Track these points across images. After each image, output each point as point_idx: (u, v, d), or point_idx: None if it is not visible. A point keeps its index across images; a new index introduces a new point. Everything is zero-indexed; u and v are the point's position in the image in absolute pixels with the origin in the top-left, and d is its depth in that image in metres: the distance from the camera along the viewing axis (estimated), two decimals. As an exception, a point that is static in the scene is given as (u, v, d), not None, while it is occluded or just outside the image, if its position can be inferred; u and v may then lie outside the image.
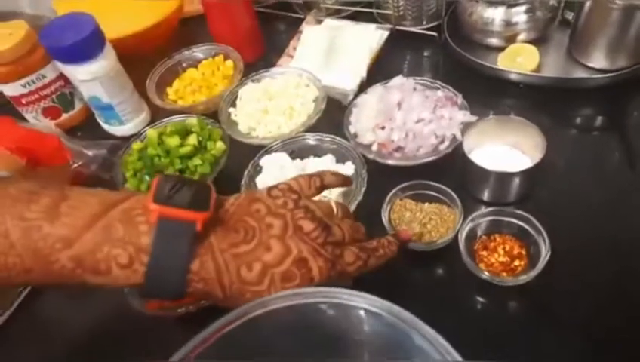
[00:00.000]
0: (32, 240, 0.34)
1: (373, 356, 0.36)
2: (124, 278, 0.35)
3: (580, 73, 0.63)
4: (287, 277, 0.36)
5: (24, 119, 0.69)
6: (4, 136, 0.58)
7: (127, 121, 0.67)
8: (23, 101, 0.67)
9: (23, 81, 0.64)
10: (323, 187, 0.44)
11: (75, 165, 0.61)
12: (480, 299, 0.47)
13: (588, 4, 0.59)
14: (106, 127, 0.69)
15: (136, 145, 0.59)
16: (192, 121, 0.60)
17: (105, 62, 0.60)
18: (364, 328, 0.35)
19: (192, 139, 0.57)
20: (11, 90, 0.65)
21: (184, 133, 0.58)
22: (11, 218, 0.34)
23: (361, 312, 0.35)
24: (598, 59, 0.62)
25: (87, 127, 0.72)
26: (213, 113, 0.64)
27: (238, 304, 0.34)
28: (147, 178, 0.56)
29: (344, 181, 0.47)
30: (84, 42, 0.58)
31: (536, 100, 0.63)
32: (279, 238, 0.37)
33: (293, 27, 0.78)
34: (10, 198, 0.35)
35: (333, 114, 0.63)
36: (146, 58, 0.72)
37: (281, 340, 0.38)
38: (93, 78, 0.60)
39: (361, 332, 0.36)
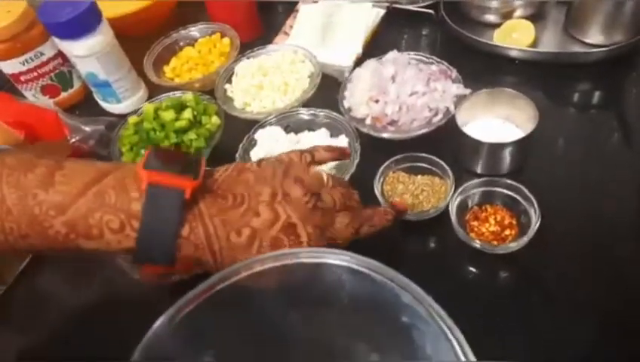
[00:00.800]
0: (28, 207, 0.35)
1: (360, 314, 0.37)
2: (116, 243, 0.36)
3: (576, 49, 0.63)
4: (276, 243, 0.37)
5: (23, 98, 0.70)
6: (2, 110, 0.59)
7: (125, 99, 0.68)
8: (22, 79, 0.67)
9: (21, 59, 0.65)
10: (314, 163, 0.43)
11: (73, 140, 0.61)
12: (471, 267, 0.48)
13: (584, -22, 0.59)
14: (103, 105, 0.70)
15: (132, 120, 0.60)
16: (188, 96, 0.61)
17: (101, 38, 0.61)
18: (351, 287, 0.36)
19: (187, 114, 0.57)
20: (10, 67, 0.66)
21: (179, 107, 0.59)
22: (8, 186, 0.35)
23: (347, 271, 0.36)
24: (594, 35, 0.62)
25: (85, 106, 0.73)
26: (210, 91, 0.65)
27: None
28: (143, 152, 0.57)
29: (339, 155, 0.46)
30: (80, 17, 0.58)
31: (531, 76, 0.63)
32: (268, 204, 0.37)
33: (290, 7, 0.78)
34: (6, 167, 0.36)
35: (329, 90, 0.63)
36: (144, 38, 0.73)
37: (268, 301, 0.38)
38: (89, 53, 0.61)
39: (347, 292, 0.36)
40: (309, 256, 0.37)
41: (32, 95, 0.69)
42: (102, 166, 0.38)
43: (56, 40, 0.62)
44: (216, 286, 0.36)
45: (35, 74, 0.67)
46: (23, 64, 0.65)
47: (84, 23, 0.59)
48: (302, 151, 0.43)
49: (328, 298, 0.38)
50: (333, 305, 0.38)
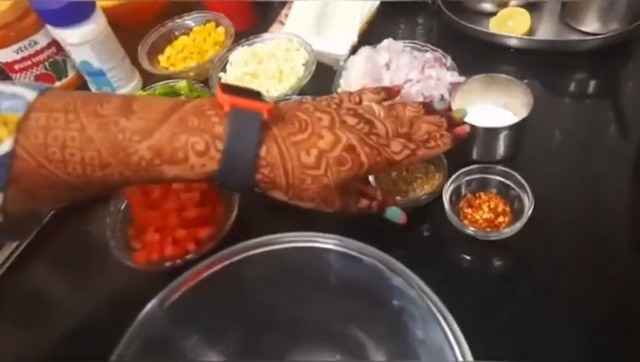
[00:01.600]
0: (111, 133, 0.35)
1: (351, 297, 0.37)
2: (200, 166, 0.36)
3: (572, 37, 0.63)
4: (341, 161, 0.39)
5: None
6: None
7: (119, 88, 0.67)
8: (16, 67, 0.67)
9: (15, 47, 0.64)
10: (362, 102, 0.46)
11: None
12: (464, 254, 0.48)
13: (580, -34, 0.59)
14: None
15: (125, 107, 0.60)
16: (182, 84, 0.60)
17: (95, 26, 0.60)
18: (340, 270, 0.36)
19: (181, 101, 0.57)
20: (3, 55, 0.65)
21: (173, 95, 0.58)
22: (86, 115, 0.35)
23: (335, 254, 0.36)
24: (590, 23, 0.62)
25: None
26: (205, 80, 0.65)
27: (299, 194, 0.39)
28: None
29: (387, 95, 0.47)
30: (74, 5, 0.58)
31: (527, 64, 0.62)
32: (329, 129, 0.39)
33: (286, -3, 0.78)
34: (80, 100, 0.36)
35: (324, 79, 0.63)
36: (139, 27, 0.73)
37: (258, 285, 0.38)
38: (83, 41, 0.61)
39: (336, 274, 0.37)
40: (298, 239, 0.37)
41: (27, 83, 0.69)
42: (173, 99, 0.40)
43: (50, 28, 0.62)
44: (206, 270, 0.36)
45: (29, 62, 0.67)
46: (17, 52, 0.65)
47: (77, 11, 0.59)
48: (350, 93, 0.46)
49: (318, 281, 0.38)
50: (324, 288, 0.38)
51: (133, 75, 0.69)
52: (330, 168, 0.38)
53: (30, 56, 0.66)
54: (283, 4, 0.77)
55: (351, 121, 0.40)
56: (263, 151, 0.37)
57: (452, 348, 0.30)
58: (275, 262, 0.37)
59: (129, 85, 0.68)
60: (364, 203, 0.44)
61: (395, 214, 0.44)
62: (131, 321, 0.35)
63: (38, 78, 0.69)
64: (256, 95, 0.38)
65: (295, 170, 0.38)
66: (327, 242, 0.35)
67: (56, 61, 0.69)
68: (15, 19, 0.62)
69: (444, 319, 0.32)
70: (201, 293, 0.36)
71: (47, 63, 0.68)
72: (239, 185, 0.39)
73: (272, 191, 0.40)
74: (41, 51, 0.67)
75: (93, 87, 0.69)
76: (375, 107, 0.44)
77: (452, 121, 0.45)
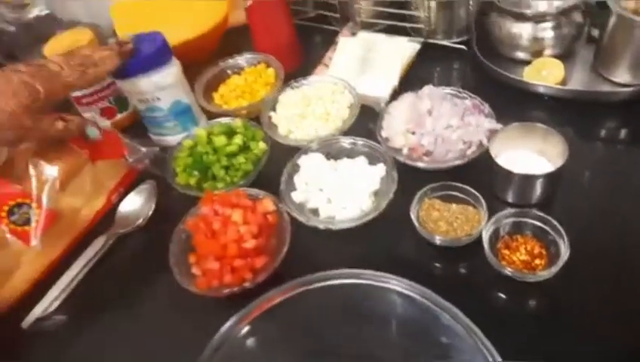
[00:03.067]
0: None
1: (402, 333, 0.40)
2: None
3: (604, 87, 0.66)
4: (16, 92, 0.51)
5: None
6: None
7: (200, 120, 0.72)
8: (84, 101, 0.73)
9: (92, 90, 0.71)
10: None
11: (131, 160, 0.66)
12: (501, 293, 0.50)
13: (612, 21, 0.63)
14: (157, 138, 0.73)
15: (186, 143, 0.65)
16: (237, 123, 0.66)
17: (177, 64, 0.67)
18: (401, 309, 0.39)
19: (238, 139, 0.62)
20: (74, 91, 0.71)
21: (230, 133, 0.64)
22: None
23: (395, 294, 0.39)
24: (622, 74, 0.65)
25: (132, 129, 0.77)
26: (255, 117, 0.70)
27: None
28: (196, 173, 0.62)
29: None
30: (163, 46, 0.64)
31: (560, 112, 0.66)
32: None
33: (329, 39, 0.83)
34: None
35: (366, 120, 0.68)
36: (194, 66, 0.78)
37: (318, 317, 0.42)
38: (175, 80, 0.66)
39: (396, 313, 0.40)
40: (353, 275, 0.41)
41: (91, 117, 0.75)
42: None
43: (138, 80, 0.64)
44: (275, 298, 0.40)
45: (96, 97, 0.73)
46: (87, 88, 0.71)
47: (166, 52, 0.65)
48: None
49: (370, 316, 0.42)
50: (375, 324, 0.42)
51: (201, 111, 0.74)
52: (8, 100, 0.50)
53: (97, 92, 0.73)
54: (326, 47, 0.83)
55: (23, 68, 0.52)
56: None
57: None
58: (332, 297, 0.41)
59: (202, 120, 0.73)
60: (60, 125, 0.56)
61: (92, 132, 0.60)
62: (196, 344, 0.39)
63: (103, 111, 0.75)
64: None
65: None
66: (387, 281, 0.39)
67: (120, 96, 0.75)
68: None
69: (491, 355, 0.35)
70: (267, 320, 0.40)
71: (112, 97, 0.74)
72: None
73: None
74: (108, 86, 0.73)
75: (175, 129, 0.71)
76: (56, 57, 0.56)
77: (121, 45, 0.61)
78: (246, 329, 0.39)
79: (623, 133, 0.64)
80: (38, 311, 0.57)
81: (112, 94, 0.74)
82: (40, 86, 0.52)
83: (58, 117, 0.56)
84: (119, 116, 0.77)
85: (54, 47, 0.72)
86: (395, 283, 0.39)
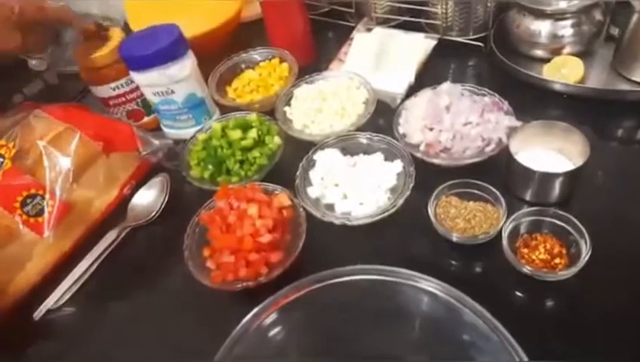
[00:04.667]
0: None
1: (422, 331, 0.39)
2: None
3: (623, 86, 0.65)
4: None
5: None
6: (83, 122, 0.64)
7: (212, 115, 0.72)
8: (111, 103, 0.72)
9: (112, 85, 0.70)
10: None
11: (144, 153, 0.66)
12: (520, 292, 0.50)
13: (634, 19, 0.62)
14: (180, 132, 0.72)
15: (201, 136, 0.65)
16: (252, 117, 0.65)
17: (193, 57, 0.66)
18: (425, 307, 0.39)
19: (253, 133, 0.62)
20: (101, 92, 0.71)
21: (245, 127, 0.63)
22: None
23: (415, 290, 0.39)
24: (641, 73, 0.64)
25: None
26: (268, 111, 0.69)
27: None
28: (210, 167, 0.61)
29: None
30: (179, 39, 0.63)
31: (579, 111, 0.65)
32: None
33: (344, 35, 0.83)
34: None
35: (381, 116, 0.67)
36: (207, 60, 0.78)
37: (335, 314, 0.42)
38: (190, 73, 0.65)
39: (420, 311, 0.39)
40: (374, 271, 0.40)
41: (117, 118, 0.74)
42: None
43: (156, 71, 0.64)
44: (292, 294, 0.39)
45: (123, 99, 0.72)
46: (114, 90, 0.70)
47: (182, 44, 0.64)
48: None
49: (391, 312, 0.41)
50: (406, 323, 0.41)
51: (215, 105, 0.74)
52: None
53: (125, 94, 0.72)
54: (340, 42, 0.82)
55: None
56: None
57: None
58: (352, 292, 0.40)
59: (216, 113, 0.73)
60: None
61: None
62: (212, 337, 0.38)
63: (129, 113, 0.74)
64: None
65: None
66: (409, 278, 0.38)
67: (147, 99, 0.72)
68: (116, 60, 0.67)
69: (515, 352, 0.34)
70: (286, 314, 0.39)
71: (139, 100, 0.73)
72: None
73: None
74: (136, 89, 0.71)
75: (188, 122, 0.71)
76: None
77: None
78: (265, 322, 0.38)
79: (641, 132, 0.63)
80: (49, 302, 0.57)
81: (140, 97, 0.73)
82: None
83: None
84: (146, 119, 0.76)
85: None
86: (416, 280, 0.38)
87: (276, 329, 0.38)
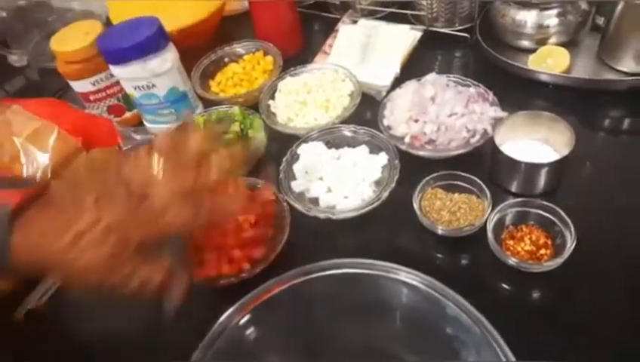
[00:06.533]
0: None
1: (409, 325, 0.39)
2: None
3: (609, 76, 0.65)
4: (101, 240, 0.37)
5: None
6: (61, 117, 0.63)
7: (196, 108, 0.71)
8: (91, 98, 0.71)
9: (92, 79, 0.68)
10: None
11: (125, 148, 0.65)
12: (505, 284, 0.49)
13: (619, 9, 0.62)
14: (152, 126, 0.71)
15: (183, 131, 0.63)
16: (235, 110, 0.64)
17: (174, 51, 0.65)
18: (406, 300, 0.38)
19: (235, 127, 0.61)
20: (81, 86, 0.69)
21: (228, 120, 0.62)
22: None
23: (398, 283, 0.38)
24: (627, 63, 0.64)
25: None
26: (252, 105, 0.68)
27: (68, 273, 0.38)
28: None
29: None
30: (159, 32, 0.62)
31: (565, 101, 0.64)
32: (91, 208, 0.37)
33: (329, 27, 0.82)
34: None
35: (366, 108, 0.67)
36: (191, 53, 0.77)
37: (318, 307, 0.41)
38: (171, 66, 0.64)
39: (402, 304, 0.39)
40: (357, 265, 0.40)
41: (98, 113, 0.72)
42: None
43: (135, 65, 0.62)
44: (276, 288, 0.39)
45: (104, 94, 0.70)
46: (94, 84, 0.69)
47: (163, 37, 0.63)
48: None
49: (373, 305, 0.41)
50: (378, 313, 0.41)
51: (198, 98, 0.72)
52: (86, 251, 0.36)
53: (106, 88, 0.70)
54: (325, 34, 0.81)
55: (120, 195, 0.38)
56: (17, 239, 0.37)
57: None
58: (334, 286, 0.40)
59: (199, 107, 0.71)
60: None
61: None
62: (195, 334, 0.38)
63: (110, 108, 0.72)
64: (11, 183, 0.40)
65: (54, 254, 0.37)
66: (391, 271, 0.37)
67: (128, 93, 0.71)
68: (95, 54, 0.66)
69: (498, 346, 0.34)
70: (267, 310, 0.38)
71: (120, 95, 0.71)
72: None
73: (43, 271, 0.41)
74: (116, 84, 0.70)
75: (169, 117, 0.69)
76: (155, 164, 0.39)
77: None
78: (246, 318, 0.38)
79: (628, 122, 0.63)
80: (31, 301, 0.55)
81: (121, 92, 0.71)
82: (133, 232, 0.38)
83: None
84: (128, 114, 0.74)
85: (62, 39, 0.68)
86: (398, 273, 0.37)
87: (256, 325, 0.38)
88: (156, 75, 0.64)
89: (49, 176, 0.59)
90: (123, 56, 0.62)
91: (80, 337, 0.53)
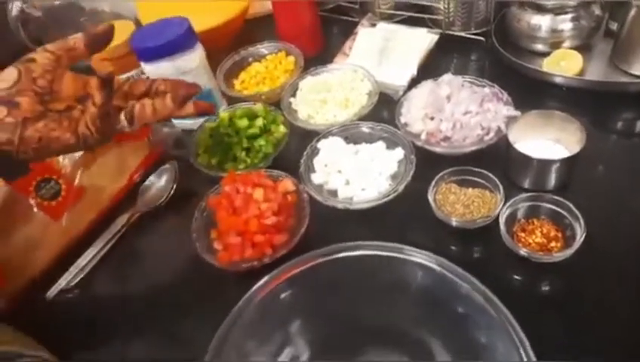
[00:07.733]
0: None
1: (424, 304, 0.41)
2: None
3: (622, 79, 0.67)
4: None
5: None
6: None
7: (221, 105, 0.74)
8: None
9: (124, 76, 0.72)
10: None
11: (154, 141, 0.68)
12: (516, 275, 0.51)
13: (631, 14, 0.63)
14: (179, 121, 0.75)
15: (209, 125, 0.67)
16: (259, 107, 0.67)
17: (202, 50, 0.68)
18: (421, 280, 0.40)
19: (259, 122, 0.64)
20: None
21: (251, 116, 0.65)
22: None
23: (419, 267, 0.40)
24: (638, 67, 0.65)
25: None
26: (274, 103, 0.71)
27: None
28: (217, 154, 0.63)
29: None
30: (189, 31, 0.65)
31: (577, 103, 0.66)
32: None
33: (349, 30, 0.85)
34: None
35: (383, 107, 0.69)
36: (216, 54, 0.80)
37: (338, 286, 0.43)
38: (199, 64, 0.67)
39: (417, 284, 0.41)
40: (373, 247, 0.42)
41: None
42: None
43: (165, 61, 0.66)
44: (294, 269, 0.41)
45: None
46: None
47: (192, 36, 0.66)
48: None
49: (389, 287, 0.43)
50: (393, 294, 0.43)
51: (222, 96, 0.76)
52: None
53: None
54: (345, 36, 0.84)
55: None
56: None
57: (519, 351, 0.34)
58: (351, 268, 0.42)
59: (223, 104, 0.75)
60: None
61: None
62: (218, 316, 0.40)
63: None
64: None
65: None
66: (408, 253, 0.40)
67: None
68: (128, 52, 0.69)
69: (511, 326, 0.36)
70: (287, 290, 0.41)
71: None
72: None
73: None
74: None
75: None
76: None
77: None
78: (268, 295, 0.40)
79: (639, 124, 0.65)
80: (62, 282, 0.59)
81: None
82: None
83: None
84: None
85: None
86: (413, 254, 0.40)
87: (278, 302, 0.40)
88: (184, 72, 0.67)
89: (83, 166, 0.62)
90: (154, 54, 0.65)
91: (110, 316, 0.56)
